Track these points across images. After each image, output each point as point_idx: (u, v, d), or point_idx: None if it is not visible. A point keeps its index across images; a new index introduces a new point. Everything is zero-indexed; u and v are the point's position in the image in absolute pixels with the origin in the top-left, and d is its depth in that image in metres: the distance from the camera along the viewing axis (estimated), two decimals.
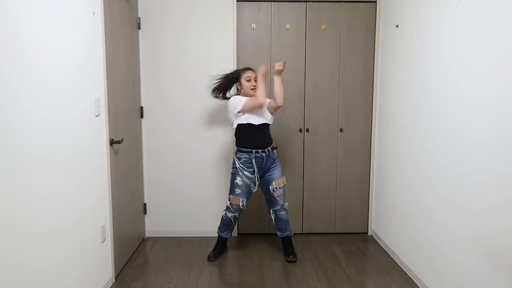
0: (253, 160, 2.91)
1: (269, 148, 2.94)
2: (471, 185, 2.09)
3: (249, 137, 2.91)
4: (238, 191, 2.95)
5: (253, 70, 2.99)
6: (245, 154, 2.92)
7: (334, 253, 3.22)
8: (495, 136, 1.89)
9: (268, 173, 2.99)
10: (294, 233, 3.55)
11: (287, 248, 3.12)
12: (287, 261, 3.04)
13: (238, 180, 2.94)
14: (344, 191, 3.60)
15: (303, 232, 3.63)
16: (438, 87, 2.41)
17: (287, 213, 3.08)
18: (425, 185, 2.58)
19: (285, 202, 3.05)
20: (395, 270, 2.90)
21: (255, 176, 2.95)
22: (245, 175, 2.92)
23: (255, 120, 2.89)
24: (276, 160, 3.01)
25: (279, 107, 2.94)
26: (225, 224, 3.10)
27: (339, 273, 2.86)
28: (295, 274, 2.85)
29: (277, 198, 3.00)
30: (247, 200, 3.02)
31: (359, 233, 3.65)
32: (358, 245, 3.40)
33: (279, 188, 2.99)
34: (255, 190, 3.01)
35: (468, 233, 2.12)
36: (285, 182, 3.05)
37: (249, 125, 2.88)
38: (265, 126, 2.94)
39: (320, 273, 2.86)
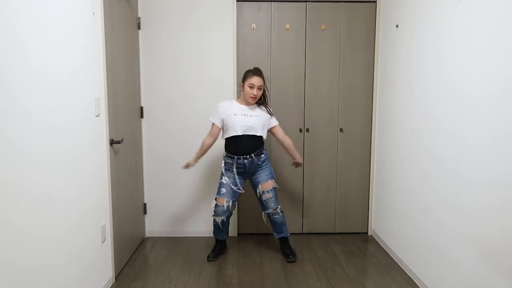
0: (235, 166, 2.90)
1: (252, 154, 2.87)
2: (470, 186, 2.08)
3: (232, 144, 2.89)
4: (223, 190, 2.92)
5: (261, 77, 2.86)
6: (229, 159, 2.92)
7: (334, 253, 3.22)
8: (494, 137, 1.89)
9: (254, 176, 2.95)
10: (294, 233, 3.57)
11: (285, 248, 3.11)
12: (287, 261, 3.04)
13: (223, 179, 2.94)
14: (344, 191, 3.60)
15: (303, 232, 3.63)
16: (438, 87, 2.41)
17: (282, 215, 3.01)
18: (425, 185, 2.58)
19: (277, 206, 2.96)
20: (395, 270, 2.90)
21: (237, 181, 2.93)
22: (228, 177, 2.93)
23: (239, 130, 2.83)
24: (264, 164, 2.94)
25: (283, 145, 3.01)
26: (217, 229, 3.04)
27: (339, 273, 2.86)
28: (295, 274, 2.85)
29: (266, 201, 2.94)
30: (233, 202, 2.96)
31: (359, 233, 3.65)
32: (358, 245, 3.40)
33: (267, 191, 2.92)
34: (241, 192, 2.99)
35: (468, 234, 2.12)
36: (275, 186, 2.96)
37: (232, 136, 2.87)
38: (252, 136, 2.85)
39: (320, 273, 2.86)
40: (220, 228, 3.02)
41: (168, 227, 3.56)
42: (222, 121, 2.89)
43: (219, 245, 3.16)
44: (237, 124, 2.83)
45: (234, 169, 2.91)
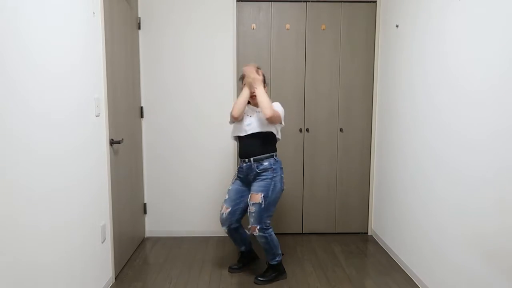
0: (237, 169, 2.77)
1: (251, 158, 2.62)
2: (471, 184, 2.08)
3: (239, 145, 2.74)
4: (226, 196, 2.75)
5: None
6: (239, 161, 2.75)
7: (334, 253, 3.22)
8: (496, 135, 1.89)
9: (251, 185, 2.66)
10: (294, 233, 3.59)
11: (265, 272, 2.76)
12: (254, 281, 2.72)
13: (230, 186, 2.78)
14: (344, 191, 3.60)
15: (303, 232, 3.63)
16: (438, 87, 2.41)
17: (266, 241, 2.63)
18: (425, 185, 2.58)
19: (256, 225, 2.58)
20: (395, 270, 2.90)
21: (237, 188, 2.73)
22: (233, 183, 2.78)
23: (239, 131, 2.67)
24: (264, 174, 2.60)
25: (269, 119, 2.53)
26: (231, 240, 2.89)
27: (339, 273, 2.86)
28: (295, 274, 2.85)
29: (249, 214, 2.61)
30: (233, 210, 2.69)
31: (359, 233, 3.65)
32: (358, 245, 3.40)
33: (252, 204, 2.58)
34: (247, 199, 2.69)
35: (468, 233, 2.12)
36: (261, 202, 2.56)
37: (237, 136, 2.73)
38: (254, 135, 2.61)
39: (320, 273, 2.86)
40: (232, 239, 2.84)
41: (168, 227, 3.56)
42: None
43: (242, 257, 2.93)
44: (241, 127, 2.67)
45: (236, 173, 2.78)
